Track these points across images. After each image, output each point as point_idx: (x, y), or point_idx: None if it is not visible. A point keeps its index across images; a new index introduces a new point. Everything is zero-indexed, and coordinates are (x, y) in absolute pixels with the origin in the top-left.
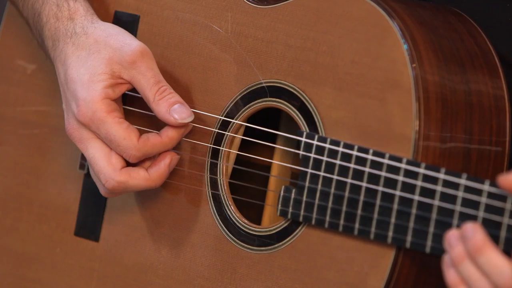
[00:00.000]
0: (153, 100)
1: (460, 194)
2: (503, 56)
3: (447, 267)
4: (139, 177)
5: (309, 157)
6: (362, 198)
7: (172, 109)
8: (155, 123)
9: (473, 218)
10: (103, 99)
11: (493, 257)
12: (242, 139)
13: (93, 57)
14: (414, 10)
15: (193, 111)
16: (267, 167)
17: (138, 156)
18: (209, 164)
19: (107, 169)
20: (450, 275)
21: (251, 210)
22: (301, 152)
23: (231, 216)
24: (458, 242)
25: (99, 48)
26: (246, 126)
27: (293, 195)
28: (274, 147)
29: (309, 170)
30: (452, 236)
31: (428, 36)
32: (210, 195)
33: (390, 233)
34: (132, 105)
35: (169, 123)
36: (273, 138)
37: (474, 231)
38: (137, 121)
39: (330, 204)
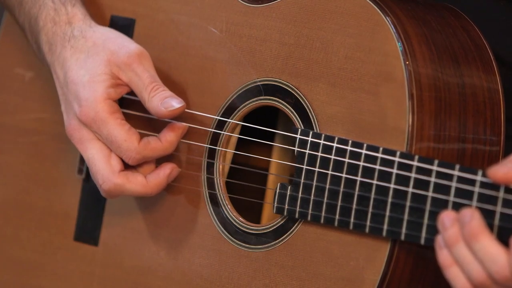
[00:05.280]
0: (147, 99)
1: (454, 184)
2: (497, 54)
3: (440, 248)
4: (137, 182)
5: (304, 153)
6: (356, 192)
7: (163, 102)
8: (154, 128)
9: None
10: (106, 99)
11: (488, 244)
12: (239, 138)
13: (92, 59)
14: (407, 4)
15: (189, 112)
16: (266, 167)
17: (138, 158)
18: (205, 164)
19: (106, 171)
20: (442, 255)
21: (250, 210)
22: (296, 149)
23: (228, 216)
24: (452, 224)
25: (97, 50)
26: (243, 125)
27: (288, 192)
28: (271, 145)
29: (304, 167)
30: (446, 217)
31: (420, 29)
32: (207, 195)
33: (385, 226)
34: (129, 108)
35: (161, 115)
36: (271, 136)
37: (471, 217)
38: (136, 125)
39: (325, 199)
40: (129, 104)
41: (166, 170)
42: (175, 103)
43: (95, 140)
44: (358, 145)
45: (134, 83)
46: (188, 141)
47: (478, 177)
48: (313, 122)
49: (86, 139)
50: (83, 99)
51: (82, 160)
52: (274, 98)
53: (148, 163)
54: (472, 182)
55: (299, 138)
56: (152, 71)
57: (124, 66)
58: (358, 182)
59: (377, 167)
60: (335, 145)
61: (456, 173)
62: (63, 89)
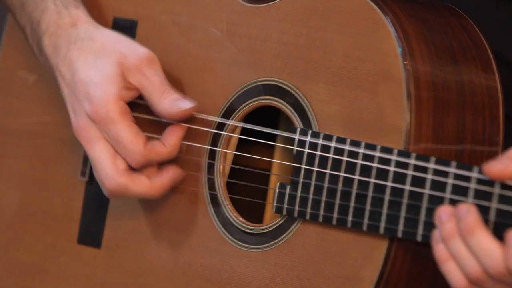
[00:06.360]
0: (158, 102)
1: (450, 181)
2: (497, 53)
3: (436, 242)
4: (141, 183)
5: (303, 152)
6: (354, 190)
7: (174, 103)
8: (154, 131)
9: None
10: (118, 100)
11: (484, 239)
12: (240, 139)
13: (102, 61)
14: (406, 3)
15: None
16: (268, 167)
17: (141, 162)
18: (206, 165)
19: (111, 169)
20: (439, 250)
21: (254, 210)
22: (294, 148)
23: (228, 216)
24: (449, 218)
25: (107, 52)
26: (244, 126)
27: (288, 191)
28: (273, 146)
29: (303, 166)
30: (443, 212)
31: (419, 28)
32: (208, 196)
33: (382, 224)
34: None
35: (173, 116)
36: (273, 136)
37: (468, 212)
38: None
39: (324, 198)
40: (134, 108)
41: (171, 173)
42: (187, 104)
43: (102, 139)
44: (356, 143)
45: (144, 86)
46: (189, 142)
47: (474, 174)
48: (312, 121)
49: (94, 137)
50: (95, 97)
51: (85, 163)
52: (273, 97)
53: (151, 166)
54: (468, 179)
55: (298, 137)
56: (162, 75)
57: (135, 69)
58: (356, 181)
59: (375, 165)
60: (333, 144)
61: (452, 170)
62: (71, 88)
